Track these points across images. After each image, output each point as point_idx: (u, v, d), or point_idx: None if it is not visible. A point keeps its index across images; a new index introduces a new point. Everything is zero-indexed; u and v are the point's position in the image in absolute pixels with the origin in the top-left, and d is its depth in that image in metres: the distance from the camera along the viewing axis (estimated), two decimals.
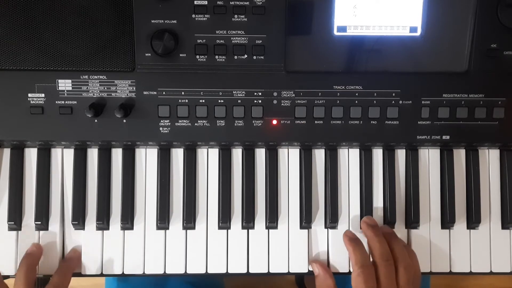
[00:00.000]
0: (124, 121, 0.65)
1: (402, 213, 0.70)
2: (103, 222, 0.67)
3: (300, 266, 0.68)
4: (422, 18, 0.64)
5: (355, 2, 0.64)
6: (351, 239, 0.66)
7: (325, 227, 0.69)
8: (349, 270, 0.68)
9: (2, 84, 0.64)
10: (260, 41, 0.64)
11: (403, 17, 0.64)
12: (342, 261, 0.68)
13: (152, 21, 0.63)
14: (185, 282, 0.82)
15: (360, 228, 0.68)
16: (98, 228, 0.67)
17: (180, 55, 0.64)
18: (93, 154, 0.68)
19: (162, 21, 0.63)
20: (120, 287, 0.81)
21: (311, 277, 0.68)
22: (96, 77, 0.64)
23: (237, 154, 0.69)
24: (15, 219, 0.66)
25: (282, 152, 0.69)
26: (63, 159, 0.68)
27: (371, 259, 0.64)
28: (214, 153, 0.69)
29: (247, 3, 0.63)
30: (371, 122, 0.66)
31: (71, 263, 0.66)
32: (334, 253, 0.68)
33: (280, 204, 0.69)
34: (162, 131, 0.65)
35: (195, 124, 0.65)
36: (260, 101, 0.65)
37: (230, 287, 0.97)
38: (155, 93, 0.65)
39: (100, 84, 0.64)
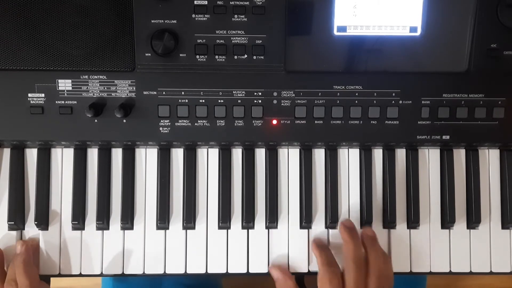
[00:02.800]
0: (124, 121, 0.65)
1: (402, 213, 0.69)
2: (103, 222, 0.67)
3: (300, 266, 0.68)
4: (422, 18, 0.64)
5: (355, 2, 0.64)
6: (318, 245, 0.66)
7: (325, 227, 0.69)
8: None
9: (2, 84, 0.63)
10: (260, 41, 0.64)
11: (403, 17, 0.64)
12: (341, 260, 0.68)
13: (152, 21, 0.63)
14: (183, 285, 0.82)
15: (361, 226, 0.68)
16: (98, 228, 0.67)
17: (180, 55, 0.64)
18: (93, 154, 0.68)
19: (162, 21, 0.63)
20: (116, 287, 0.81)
21: (312, 277, 0.68)
22: (96, 77, 0.64)
23: (237, 154, 0.69)
24: (15, 219, 0.66)
25: (282, 152, 0.69)
26: (63, 159, 0.68)
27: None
28: (214, 153, 0.69)
29: (247, 3, 0.63)
30: (371, 122, 0.66)
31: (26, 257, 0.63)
32: (334, 253, 0.68)
33: (280, 204, 0.69)
34: (162, 131, 0.65)
35: (195, 124, 0.65)
36: (260, 101, 0.65)
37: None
38: (155, 93, 0.65)
39: (100, 84, 0.64)
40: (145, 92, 0.65)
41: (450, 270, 0.70)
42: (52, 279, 0.68)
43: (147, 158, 0.69)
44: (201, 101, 0.65)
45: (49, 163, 0.68)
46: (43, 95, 0.64)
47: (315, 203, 0.69)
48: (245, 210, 0.68)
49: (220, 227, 0.68)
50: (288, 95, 0.65)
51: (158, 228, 0.68)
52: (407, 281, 0.83)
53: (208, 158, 0.69)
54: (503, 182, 0.70)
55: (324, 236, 0.69)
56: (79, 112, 0.64)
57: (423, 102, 0.66)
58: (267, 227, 0.68)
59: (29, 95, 0.64)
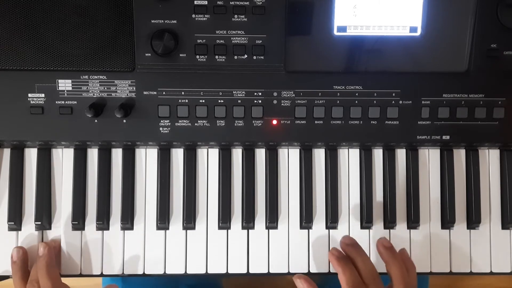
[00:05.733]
0: (124, 121, 0.65)
1: (402, 213, 0.69)
2: (103, 222, 0.67)
3: (300, 266, 0.68)
4: (422, 18, 0.64)
5: (355, 2, 0.64)
6: (339, 258, 0.62)
7: (326, 227, 0.69)
8: None
9: (2, 84, 0.64)
10: (260, 41, 0.64)
11: (403, 17, 0.64)
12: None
13: (152, 21, 0.63)
14: (184, 285, 0.82)
15: (361, 227, 0.68)
16: (98, 228, 0.67)
17: (180, 55, 0.64)
18: (93, 154, 0.68)
19: (162, 21, 0.63)
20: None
21: (312, 277, 0.68)
22: (96, 77, 0.64)
23: (237, 154, 0.69)
24: (15, 219, 0.66)
25: (282, 152, 0.69)
26: (63, 159, 0.68)
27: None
28: (214, 153, 0.69)
29: (247, 3, 0.63)
30: (371, 122, 0.66)
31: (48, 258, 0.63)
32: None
33: (280, 204, 0.69)
34: (162, 131, 0.65)
35: (195, 124, 0.65)
36: (260, 101, 0.65)
37: None
38: (155, 93, 0.65)
39: (100, 84, 0.64)
40: (145, 92, 0.65)
41: (450, 270, 0.70)
42: None
43: (147, 158, 0.69)
44: (201, 101, 0.65)
45: (49, 163, 0.68)
46: (43, 95, 0.64)
47: (315, 203, 0.69)
48: (245, 210, 0.68)
49: (220, 227, 0.68)
50: (288, 95, 0.65)
51: (158, 228, 0.68)
52: None
53: (208, 158, 0.69)
54: (503, 182, 0.70)
55: (325, 236, 0.69)
56: (79, 112, 0.64)
57: (423, 102, 0.66)
58: (267, 227, 0.68)
59: (29, 95, 0.64)
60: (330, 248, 0.67)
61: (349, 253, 0.64)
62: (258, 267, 0.68)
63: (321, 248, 0.68)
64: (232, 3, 0.63)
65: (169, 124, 0.65)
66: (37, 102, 0.64)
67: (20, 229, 0.67)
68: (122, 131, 0.65)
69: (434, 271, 0.69)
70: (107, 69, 0.64)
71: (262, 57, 0.64)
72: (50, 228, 0.68)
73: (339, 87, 0.65)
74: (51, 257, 0.63)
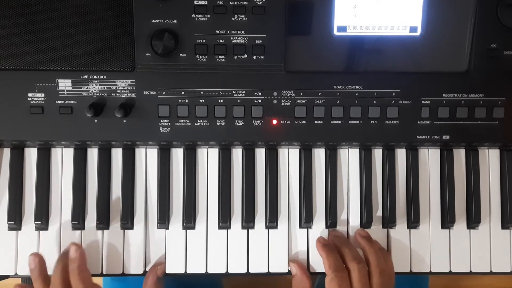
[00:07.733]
0: (124, 121, 0.65)
1: (402, 213, 0.70)
2: (103, 222, 0.67)
3: None
4: (422, 18, 0.64)
5: (355, 2, 0.64)
6: (324, 245, 0.66)
7: (326, 227, 0.69)
8: None
9: (2, 84, 0.64)
10: (260, 41, 0.64)
11: (403, 17, 0.64)
12: None
13: (152, 21, 0.63)
14: (183, 284, 0.82)
15: (361, 226, 0.69)
16: (98, 228, 0.67)
17: (180, 55, 0.64)
18: (93, 154, 0.68)
19: (162, 21, 0.63)
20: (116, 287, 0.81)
21: (312, 277, 0.68)
22: (96, 77, 0.64)
23: (237, 154, 0.69)
24: (15, 219, 0.66)
25: (282, 152, 0.69)
26: (63, 159, 0.68)
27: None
28: (214, 153, 0.69)
29: (247, 3, 0.63)
30: (371, 122, 0.66)
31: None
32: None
33: (280, 204, 0.69)
34: (162, 131, 0.65)
35: (195, 124, 0.65)
36: (260, 101, 0.65)
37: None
38: (155, 93, 0.65)
39: (100, 84, 0.64)
40: (145, 92, 0.65)
41: (450, 270, 0.70)
42: None
43: (147, 158, 0.69)
44: (201, 101, 0.65)
45: (49, 163, 0.68)
46: (43, 95, 0.64)
47: (315, 203, 0.69)
48: (245, 210, 0.68)
49: (220, 227, 0.68)
50: (288, 95, 0.65)
51: (158, 227, 0.68)
52: (410, 281, 0.83)
53: (208, 158, 0.69)
54: (503, 182, 0.70)
55: (325, 236, 0.69)
56: (79, 112, 0.64)
57: (423, 102, 0.66)
58: (267, 227, 0.68)
59: (29, 95, 0.64)
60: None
61: (335, 241, 0.67)
62: (258, 267, 0.68)
63: None
64: (232, 3, 0.63)
65: (169, 124, 0.65)
66: (37, 102, 0.64)
67: (20, 229, 0.67)
68: (122, 131, 0.65)
69: (434, 271, 0.69)
70: (107, 69, 0.64)
71: (262, 57, 0.64)
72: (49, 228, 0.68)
73: (339, 87, 0.65)
74: (83, 259, 0.63)
